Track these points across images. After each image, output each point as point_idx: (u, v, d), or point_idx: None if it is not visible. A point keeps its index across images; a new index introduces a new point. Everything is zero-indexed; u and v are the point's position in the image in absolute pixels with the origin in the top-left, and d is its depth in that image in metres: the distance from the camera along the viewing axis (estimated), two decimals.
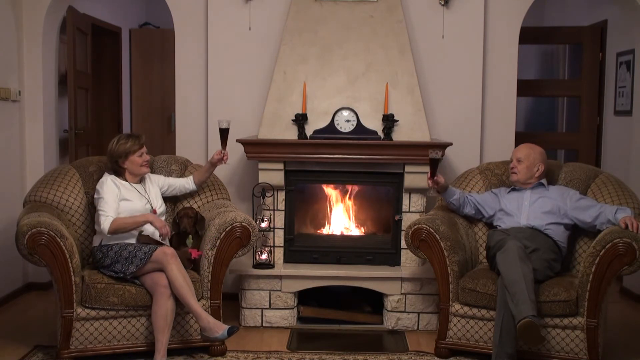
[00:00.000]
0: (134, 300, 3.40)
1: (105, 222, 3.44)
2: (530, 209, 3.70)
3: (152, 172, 3.95)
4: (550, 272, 3.51)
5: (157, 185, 3.82)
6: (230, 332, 3.33)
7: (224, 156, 3.79)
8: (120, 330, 3.43)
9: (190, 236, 3.67)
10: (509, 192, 3.84)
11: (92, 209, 3.80)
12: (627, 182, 4.05)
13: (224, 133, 3.77)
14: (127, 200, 3.57)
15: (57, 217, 3.52)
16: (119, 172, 3.65)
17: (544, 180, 3.79)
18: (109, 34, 6.65)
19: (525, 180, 3.77)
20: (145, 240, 3.53)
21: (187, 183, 3.93)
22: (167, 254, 3.37)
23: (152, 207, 3.67)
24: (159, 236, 3.52)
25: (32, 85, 4.67)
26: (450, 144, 4.03)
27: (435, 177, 3.68)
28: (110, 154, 3.66)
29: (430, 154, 3.61)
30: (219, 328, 3.34)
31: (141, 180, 3.74)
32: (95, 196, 3.58)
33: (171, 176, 3.99)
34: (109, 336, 3.43)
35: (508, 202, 3.79)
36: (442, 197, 3.90)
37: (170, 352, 3.47)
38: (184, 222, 3.69)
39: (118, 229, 3.45)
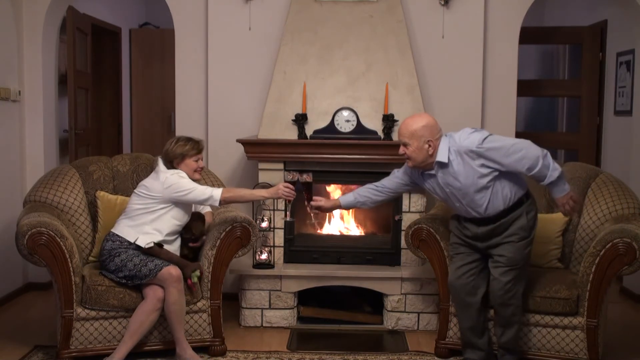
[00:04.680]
0: (134, 304, 3.39)
1: (215, 191, 3.44)
2: (454, 197, 3.25)
3: None
4: (531, 231, 3.26)
5: None
6: None
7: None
8: (120, 330, 3.43)
9: (197, 271, 3.49)
10: (421, 173, 3.36)
11: (92, 209, 3.80)
12: (627, 182, 4.05)
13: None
14: (186, 204, 3.54)
15: (57, 217, 3.52)
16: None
17: (440, 157, 3.18)
18: (109, 34, 6.66)
19: (422, 162, 3.22)
20: (151, 252, 3.44)
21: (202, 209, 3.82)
22: (172, 276, 3.33)
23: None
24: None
25: (32, 85, 4.67)
26: None
27: (313, 202, 3.50)
28: (166, 153, 3.58)
29: (300, 178, 3.46)
30: None
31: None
32: (170, 181, 3.45)
33: None
34: (109, 336, 3.43)
35: (432, 190, 3.36)
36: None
37: (170, 351, 3.48)
38: (195, 227, 3.62)
39: (232, 199, 3.49)
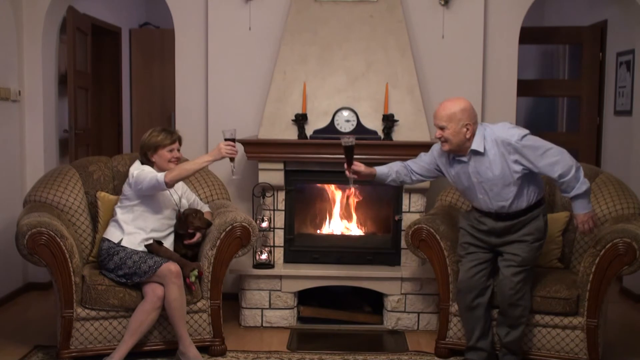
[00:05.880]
0: (134, 303, 3.39)
1: (159, 175, 3.35)
2: (481, 186, 3.26)
3: None
4: (545, 234, 3.35)
5: (184, 194, 3.73)
6: None
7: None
8: (120, 330, 3.43)
9: (196, 270, 3.48)
10: (451, 159, 3.35)
11: (92, 209, 3.80)
12: (627, 182, 4.05)
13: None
14: (155, 198, 3.51)
15: (57, 217, 3.52)
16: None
17: (475, 145, 3.20)
18: (109, 34, 6.66)
19: (458, 145, 3.22)
20: (150, 249, 3.46)
21: (202, 209, 3.78)
22: (172, 272, 3.33)
23: (178, 210, 3.63)
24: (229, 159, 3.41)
25: (32, 85, 4.67)
26: None
27: (353, 167, 3.41)
28: (140, 146, 3.57)
29: (343, 141, 3.33)
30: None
31: None
32: (133, 176, 3.43)
33: None
34: (109, 336, 3.43)
35: (457, 178, 3.35)
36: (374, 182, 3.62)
37: (170, 351, 3.49)
38: (197, 220, 3.59)
39: (177, 177, 3.34)
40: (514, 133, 3.17)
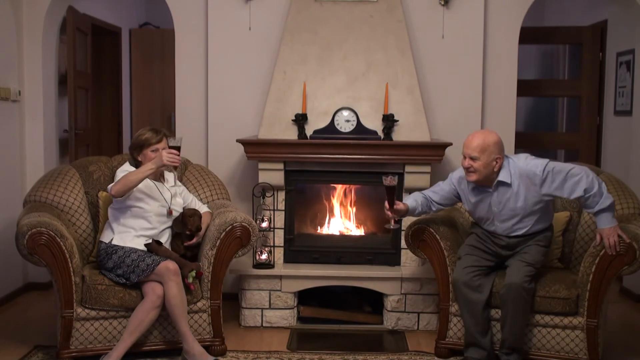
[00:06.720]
0: (134, 303, 3.39)
1: (110, 186, 3.38)
2: (501, 216, 3.38)
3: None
4: (549, 243, 3.52)
5: (179, 194, 3.71)
6: None
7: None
8: (120, 330, 3.43)
9: (194, 271, 3.48)
10: (472, 188, 3.43)
11: (92, 209, 3.80)
12: (627, 182, 4.05)
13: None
14: (141, 197, 3.49)
15: (57, 217, 3.52)
16: (137, 167, 3.53)
17: (503, 177, 3.31)
18: (109, 34, 6.66)
19: (486, 177, 3.31)
20: (149, 249, 3.47)
21: (200, 209, 3.75)
22: (170, 270, 3.34)
23: (168, 207, 3.60)
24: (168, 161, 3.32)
25: (32, 85, 4.67)
26: (451, 144, 4.03)
27: (396, 206, 3.39)
28: (130, 146, 3.61)
29: (385, 181, 3.31)
30: (204, 357, 3.37)
31: (161, 178, 3.65)
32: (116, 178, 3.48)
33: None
34: (109, 336, 3.43)
35: (475, 206, 3.45)
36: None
37: (170, 352, 3.49)
38: (191, 222, 3.58)
39: (122, 189, 3.32)
40: (537, 163, 3.28)
